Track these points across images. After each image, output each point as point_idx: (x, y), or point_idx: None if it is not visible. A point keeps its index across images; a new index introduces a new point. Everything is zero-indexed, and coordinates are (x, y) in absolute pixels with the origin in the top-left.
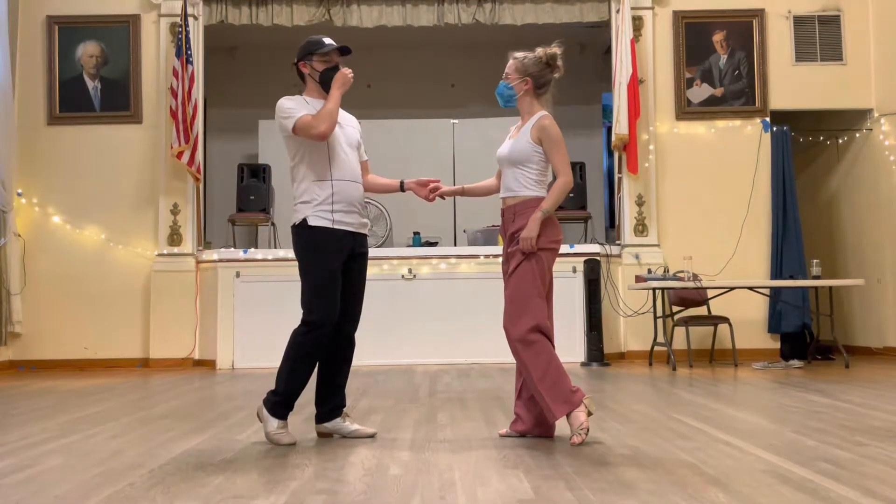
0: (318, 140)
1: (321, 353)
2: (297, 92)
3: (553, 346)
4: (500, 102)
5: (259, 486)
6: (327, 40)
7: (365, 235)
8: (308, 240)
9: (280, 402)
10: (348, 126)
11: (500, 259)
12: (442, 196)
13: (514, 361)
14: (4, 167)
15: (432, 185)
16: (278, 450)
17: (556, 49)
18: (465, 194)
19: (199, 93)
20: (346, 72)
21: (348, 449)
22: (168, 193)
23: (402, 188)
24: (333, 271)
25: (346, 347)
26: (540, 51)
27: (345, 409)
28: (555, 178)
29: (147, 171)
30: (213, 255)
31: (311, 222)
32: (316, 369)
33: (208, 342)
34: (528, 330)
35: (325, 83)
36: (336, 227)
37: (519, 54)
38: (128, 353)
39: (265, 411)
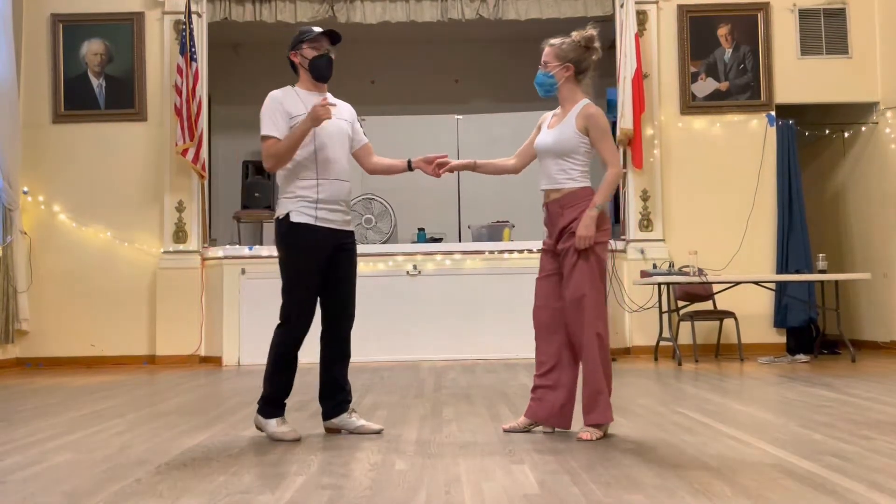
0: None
1: (297, 350)
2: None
3: (608, 350)
4: (540, 92)
5: (264, 481)
6: (315, 28)
7: (349, 232)
8: (288, 235)
9: (269, 403)
10: (339, 119)
11: (506, 254)
12: (450, 170)
13: (520, 356)
14: (10, 165)
15: (439, 160)
16: (284, 446)
17: (591, 31)
18: (476, 169)
19: (203, 90)
20: (321, 109)
21: (354, 444)
22: (173, 191)
23: (409, 167)
24: (310, 269)
25: (341, 343)
26: (576, 34)
27: (351, 405)
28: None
29: (152, 168)
30: (219, 252)
31: (294, 218)
32: (319, 366)
33: (214, 339)
34: (591, 333)
35: (313, 70)
36: (319, 223)
37: (555, 41)
38: (134, 350)
39: (260, 418)
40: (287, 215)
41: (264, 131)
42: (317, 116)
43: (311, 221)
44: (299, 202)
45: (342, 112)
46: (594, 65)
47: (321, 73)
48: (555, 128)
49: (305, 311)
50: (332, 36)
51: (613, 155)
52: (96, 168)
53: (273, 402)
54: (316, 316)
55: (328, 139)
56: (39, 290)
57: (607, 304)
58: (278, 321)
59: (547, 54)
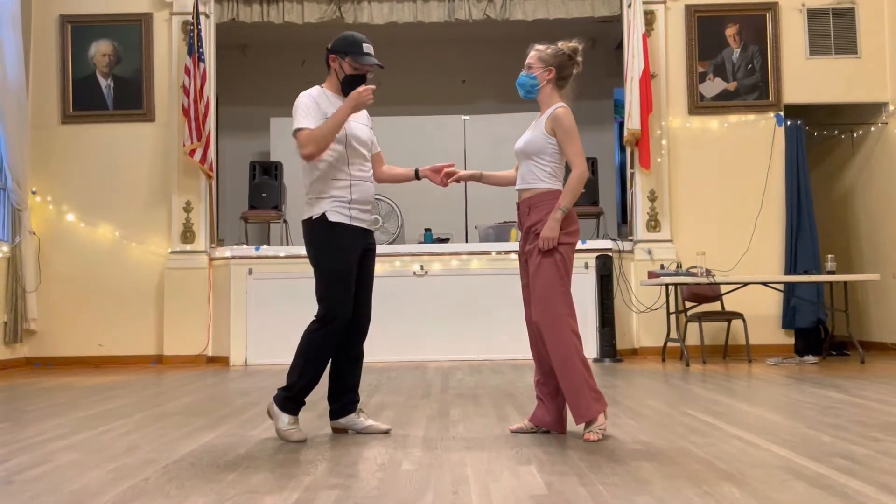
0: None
1: (334, 349)
2: (312, 85)
3: (581, 346)
4: (521, 93)
5: (272, 481)
6: (367, 48)
7: (372, 232)
8: (326, 235)
9: (290, 398)
10: (363, 124)
11: (513, 255)
12: (457, 180)
13: (528, 357)
14: (19, 166)
15: (447, 170)
16: (291, 445)
17: (577, 44)
18: (482, 181)
19: (210, 90)
20: (365, 93)
21: (361, 445)
22: (181, 191)
23: (417, 176)
24: (350, 267)
25: (358, 344)
26: (562, 44)
27: (358, 405)
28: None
29: (160, 168)
30: (226, 252)
31: (331, 218)
32: (328, 366)
33: (221, 339)
34: (564, 330)
35: (344, 86)
36: (353, 223)
37: (541, 46)
38: (141, 349)
39: (275, 408)
40: (323, 215)
41: (300, 124)
42: (361, 101)
43: (346, 221)
44: (334, 202)
45: (366, 117)
46: (574, 76)
47: (350, 92)
48: (528, 130)
49: (346, 309)
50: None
51: (578, 156)
52: (104, 168)
53: (294, 397)
54: None
55: (357, 141)
56: (48, 289)
57: (614, 306)
58: (315, 318)
59: (531, 57)
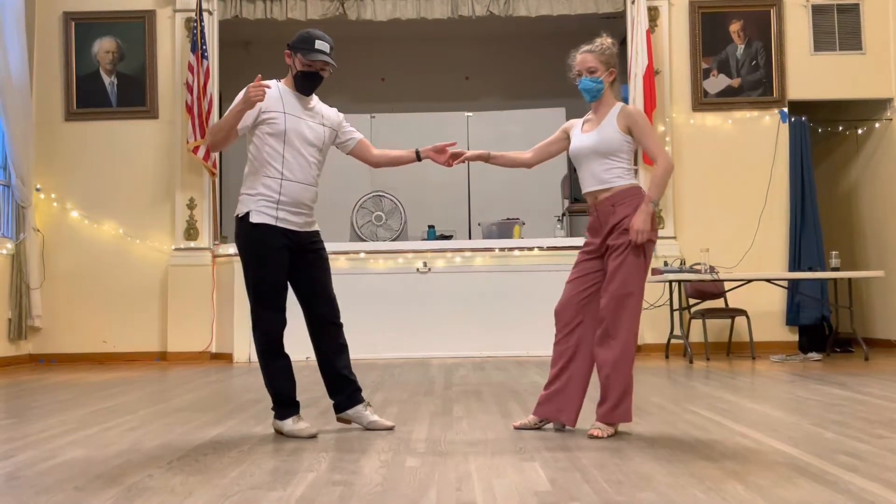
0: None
1: (278, 350)
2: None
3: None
4: (587, 97)
5: (276, 477)
6: (319, 44)
7: (314, 232)
8: (248, 236)
9: (279, 404)
10: (318, 124)
11: (516, 251)
12: (463, 160)
13: (531, 354)
14: (23, 163)
15: (451, 150)
16: (295, 442)
17: (608, 37)
18: (489, 161)
19: (214, 88)
20: (252, 90)
21: (365, 441)
22: (184, 188)
23: (418, 157)
24: (274, 276)
25: (334, 335)
26: (610, 40)
27: (366, 399)
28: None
29: (163, 166)
30: (229, 249)
31: (254, 219)
32: (317, 364)
33: (225, 336)
34: (631, 333)
35: (297, 83)
36: (279, 224)
37: (595, 47)
38: (146, 346)
39: (276, 421)
40: (247, 215)
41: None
42: (247, 97)
43: (271, 222)
44: (260, 201)
45: (324, 117)
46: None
47: (303, 89)
48: (592, 131)
49: (275, 309)
50: (328, 61)
51: (660, 149)
52: (108, 166)
53: (281, 403)
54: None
55: (300, 140)
56: (52, 286)
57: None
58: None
59: (592, 60)
